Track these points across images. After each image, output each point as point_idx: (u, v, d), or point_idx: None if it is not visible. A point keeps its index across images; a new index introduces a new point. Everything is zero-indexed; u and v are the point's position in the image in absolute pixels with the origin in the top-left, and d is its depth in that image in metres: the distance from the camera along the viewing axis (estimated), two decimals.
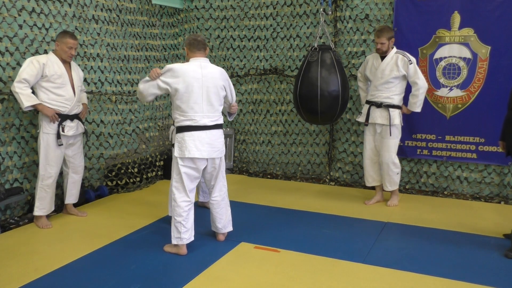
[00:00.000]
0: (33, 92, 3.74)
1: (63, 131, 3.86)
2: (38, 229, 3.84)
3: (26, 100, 3.64)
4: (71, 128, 3.93)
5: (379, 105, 4.29)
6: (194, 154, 3.22)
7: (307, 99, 4.33)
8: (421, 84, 4.17)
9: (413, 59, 4.20)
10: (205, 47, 3.37)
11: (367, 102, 4.42)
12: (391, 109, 4.25)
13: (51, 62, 3.77)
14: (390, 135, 4.26)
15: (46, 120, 3.79)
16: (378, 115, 4.30)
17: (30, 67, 3.67)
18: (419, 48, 4.70)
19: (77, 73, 4.01)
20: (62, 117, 3.86)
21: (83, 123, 4.09)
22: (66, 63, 3.89)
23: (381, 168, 4.44)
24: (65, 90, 3.85)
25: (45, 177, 3.84)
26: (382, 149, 4.35)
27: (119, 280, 2.93)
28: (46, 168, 3.84)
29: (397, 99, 4.27)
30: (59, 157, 3.91)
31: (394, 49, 4.26)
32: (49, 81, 3.75)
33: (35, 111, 3.89)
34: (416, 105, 4.25)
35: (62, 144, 3.87)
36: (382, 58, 4.28)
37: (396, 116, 4.25)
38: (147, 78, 3.29)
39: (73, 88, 3.91)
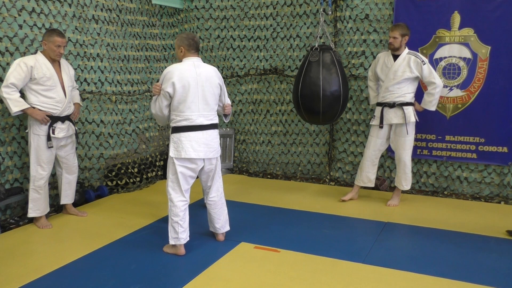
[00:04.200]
0: (23, 95, 3.64)
1: (53, 133, 3.76)
2: (38, 229, 3.83)
3: (14, 105, 3.54)
4: (62, 130, 3.84)
5: (392, 105, 4.27)
6: (190, 154, 3.22)
7: (309, 99, 4.33)
8: (438, 83, 4.16)
9: (426, 60, 4.18)
10: (199, 46, 3.39)
11: (379, 104, 4.39)
12: (405, 107, 4.23)
13: (39, 64, 3.64)
14: (407, 134, 4.26)
15: (36, 122, 3.69)
16: (393, 115, 4.28)
17: (17, 71, 3.54)
18: (419, 48, 4.69)
19: (68, 73, 3.88)
20: (53, 119, 3.76)
21: (74, 124, 4.00)
22: (56, 62, 3.77)
23: (397, 167, 4.42)
24: (56, 92, 3.74)
25: (36, 178, 3.78)
26: (398, 147, 4.34)
27: (119, 280, 2.93)
28: (37, 170, 3.77)
29: (409, 97, 4.26)
30: (50, 158, 3.83)
31: (406, 50, 4.23)
32: (38, 84, 3.64)
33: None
34: (432, 104, 4.24)
35: (52, 147, 3.79)
36: (394, 57, 4.25)
37: (411, 114, 4.25)
38: (153, 98, 3.32)
39: (63, 89, 3.80)
